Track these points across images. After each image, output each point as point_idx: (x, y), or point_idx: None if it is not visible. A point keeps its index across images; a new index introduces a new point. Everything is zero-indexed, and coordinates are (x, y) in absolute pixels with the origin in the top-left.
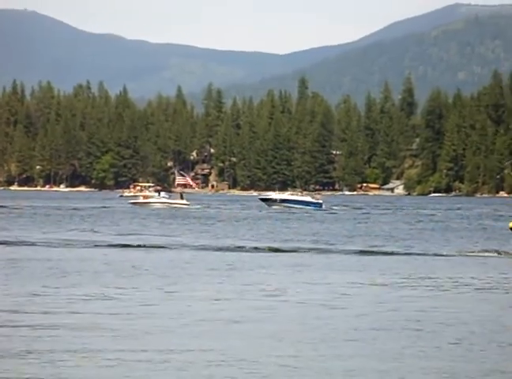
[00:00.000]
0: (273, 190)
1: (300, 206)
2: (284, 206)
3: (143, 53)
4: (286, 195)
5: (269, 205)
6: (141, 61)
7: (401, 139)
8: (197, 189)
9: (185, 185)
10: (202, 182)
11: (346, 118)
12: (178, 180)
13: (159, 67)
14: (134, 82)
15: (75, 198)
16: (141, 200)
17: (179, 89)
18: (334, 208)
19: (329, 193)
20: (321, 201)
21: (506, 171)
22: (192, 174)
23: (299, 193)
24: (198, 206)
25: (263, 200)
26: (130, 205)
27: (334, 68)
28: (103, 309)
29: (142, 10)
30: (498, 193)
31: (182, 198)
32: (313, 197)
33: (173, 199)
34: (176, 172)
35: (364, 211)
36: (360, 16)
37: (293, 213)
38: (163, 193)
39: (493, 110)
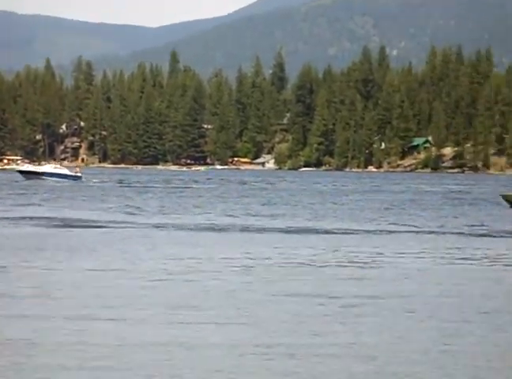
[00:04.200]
0: (144, 164)
1: (57, 179)
2: (41, 179)
3: (11, 24)
4: (44, 168)
5: (27, 178)
6: (9, 33)
7: (272, 113)
8: None
9: None
10: (72, 155)
11: (217, 92)
12: None
13: (28, 39)
14: (2, 54)
15: None
16: None
17: (48, 61)
18: (94, 181)
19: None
20: (79, 174)
21: (375, 146)
22: (62, 147)
23: (59, 166)
24: None
25: (21, 172)
26: None
27: (206, 42)
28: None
29: None
30: (367, 167)
31: None
32: (72, 170)
33: None
34: None
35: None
36: None
37: (44, 186)
38: None
39: (362, 85)
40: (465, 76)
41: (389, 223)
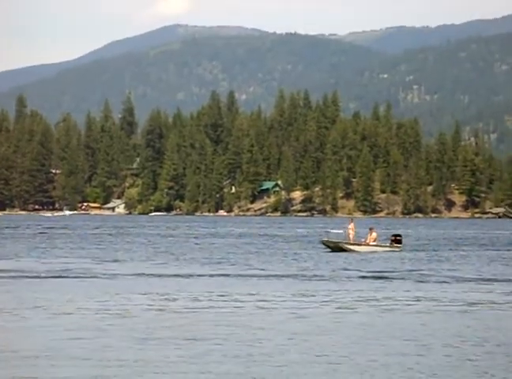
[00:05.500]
0: None
1: None
2: None
3: None
4: None
5: None
6: None
7: (122, 158)
8: None
9: None
10: None
11: (66, 136)
12: None
13: None
14: None
15: None
16: None
17: None
18: None
19: (49, 213)
20: None
21: (225, 190)
22: None
23: None
24: None
25: None
26: None
27: (54, 86)
28: None
29: None
30: (217, 211)
31: None
32: None
33: None
34: None
35: None
36: (79, 34)
37: None
38: None
39: (212, 129)
40: (313, 120)
41: (212, 267)
